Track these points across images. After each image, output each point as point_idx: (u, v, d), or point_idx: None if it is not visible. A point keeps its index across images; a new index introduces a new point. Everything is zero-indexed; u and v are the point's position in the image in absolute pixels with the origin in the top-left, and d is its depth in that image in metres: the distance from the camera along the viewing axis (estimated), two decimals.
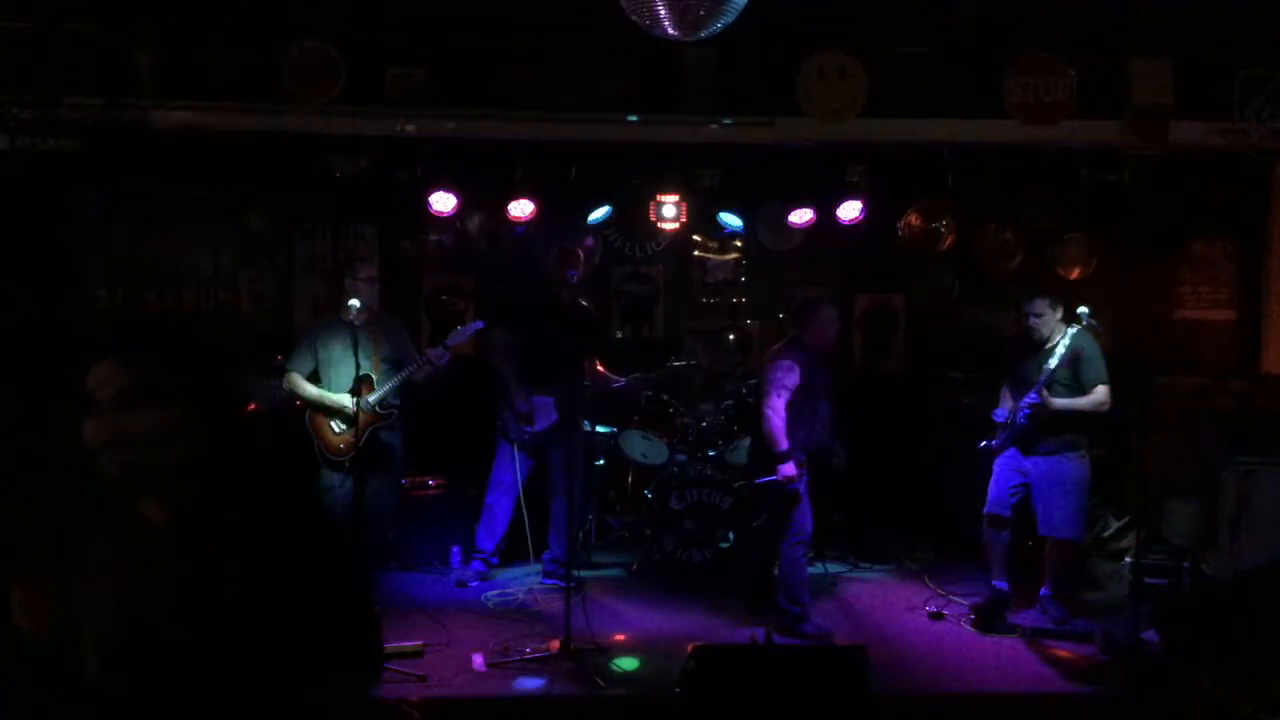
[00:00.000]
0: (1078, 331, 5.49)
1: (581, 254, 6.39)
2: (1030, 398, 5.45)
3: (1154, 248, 7.73)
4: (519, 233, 7.27)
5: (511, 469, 6.23)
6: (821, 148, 6.49)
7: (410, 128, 6.12)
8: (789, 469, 5.38)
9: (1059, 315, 5.55)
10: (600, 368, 6.59)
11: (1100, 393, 5.47)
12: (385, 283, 6.31)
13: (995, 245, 7.71)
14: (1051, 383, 5.45)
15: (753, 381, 7.10)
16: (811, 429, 5.56)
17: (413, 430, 5.95)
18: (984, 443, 5.77)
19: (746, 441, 6.72)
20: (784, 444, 5.39)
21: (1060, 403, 5.45)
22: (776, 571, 5.69)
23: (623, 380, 6.64)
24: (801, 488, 5.50)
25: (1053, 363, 5.45)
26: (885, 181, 6.91)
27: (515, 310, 6.25)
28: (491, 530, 6.32)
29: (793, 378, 5.45)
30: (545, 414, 6.19)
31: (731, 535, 6.36)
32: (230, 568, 1.75)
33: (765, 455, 5.51)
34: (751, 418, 5.84)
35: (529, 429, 6.17)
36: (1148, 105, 6.08)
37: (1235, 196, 7.35)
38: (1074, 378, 5.49)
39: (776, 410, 5.42)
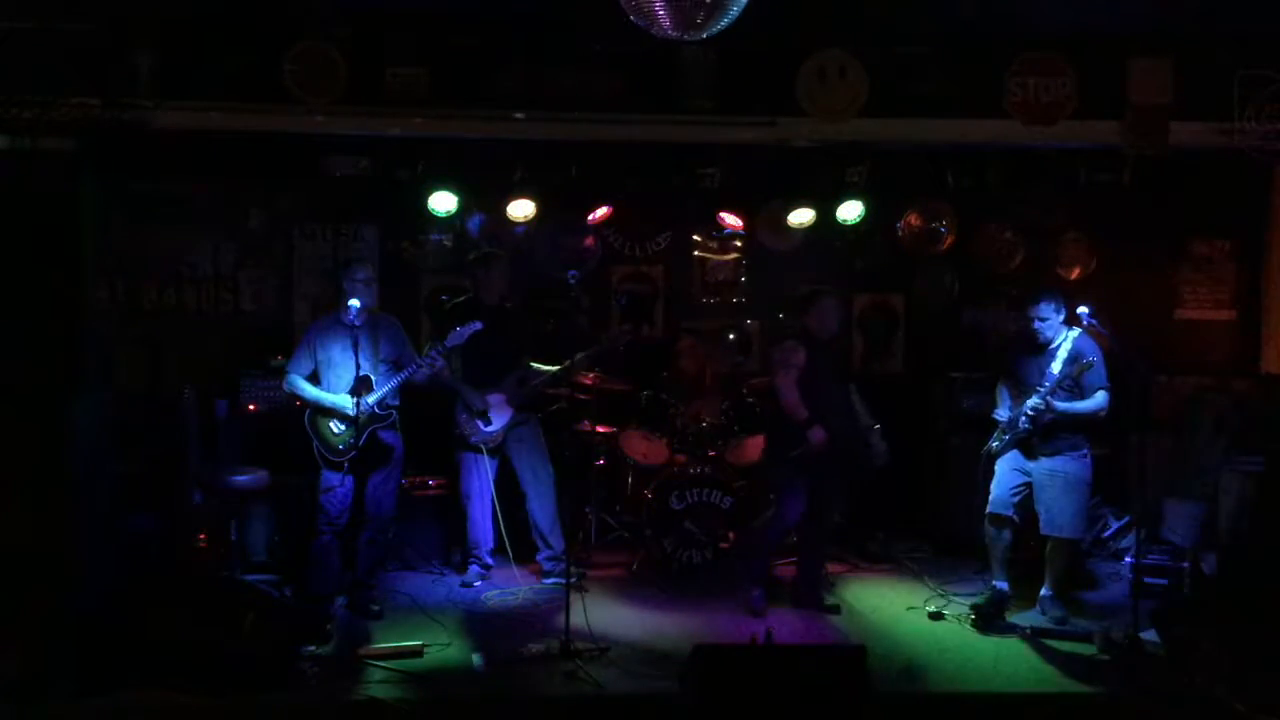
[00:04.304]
0: (1080, 334, 5.50)
1: (502, 259, 6.42)
2: (1033, 402, 5.45)
3: (1154, 248, 7.73)
4: (519, 233, 7.27)
5: (476, 476, 6.28)
6: (821, 148, 6.49)
7: (410, 128, 6.11)
8: (818, 434, 5.62)
9: (1062, 318, 5.55)
10: (537, 365, 6.47)
11: (1100, 398, 5.47)
12: (385, 283, 6.31)
13: (995, 245, 7.71)
14: (1053, 393, 5.44)
15: (754, 381, 7.14)
16: (820, 415, 5.66)
17: (412, 430, 5.95)
18: (986, 446, 5.77)
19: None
20: (804, 412, 5.65)
21: (1062, 406, 5.44)
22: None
23: (563, 365, 6.44)
24: (797, 478, 5.67)
25: (1057, 367, 5.44)
26: (885, 181, 6.90)
27: (449, 319, 6.12)
28: (477, 537, 6.36)
29: (798, 356, 5.72)
30: (499, 411, 6.23)
31: (731, 535, 6.37)
32: None
33: (781, 438, 5.80)
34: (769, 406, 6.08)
35: (486, 428, 6.20)
36: (1148, 105, 6.07)
37: (1235, 196, 7.35)
38: (1074, 384, 5.48)
39: (788, 386, 5.69)
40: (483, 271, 6.38)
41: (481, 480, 6.28)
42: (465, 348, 6.02)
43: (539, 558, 6.39)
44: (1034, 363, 5.58)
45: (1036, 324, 5.55)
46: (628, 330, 7.07)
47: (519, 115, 6.07)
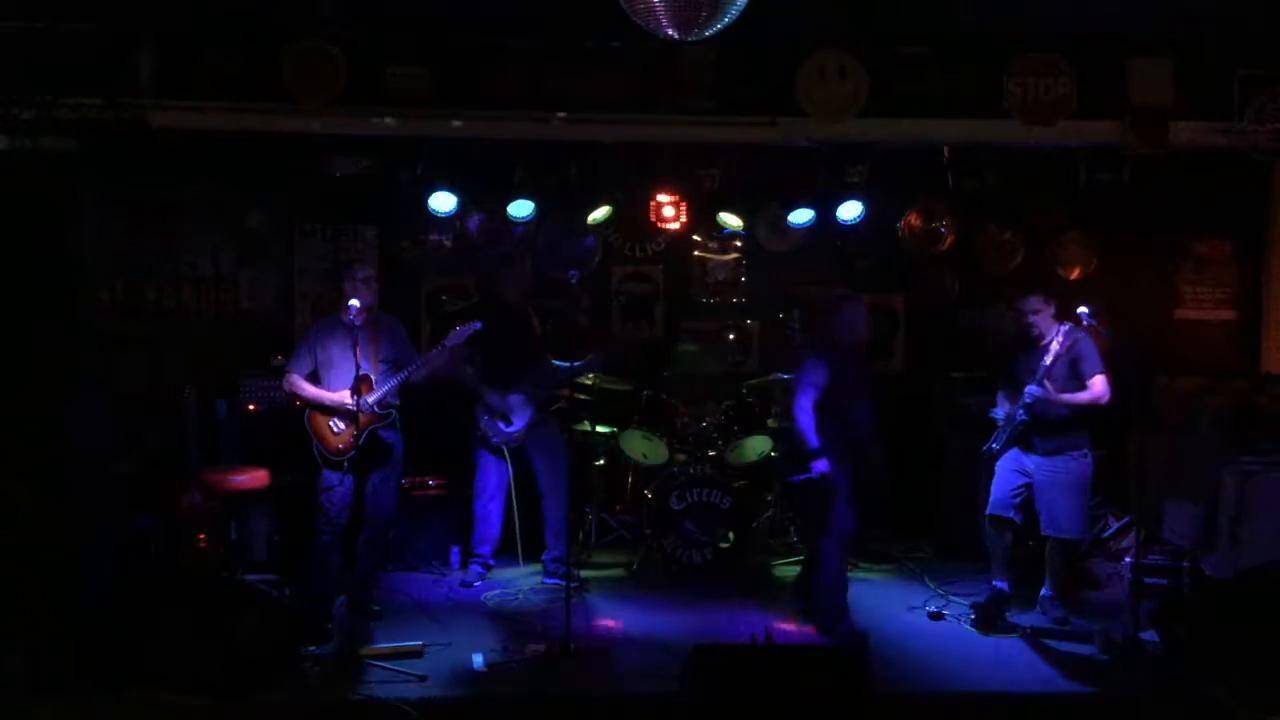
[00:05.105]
0: (1071, 327, 5.51)
1: (523, 258, 6.46)
2: (1030, 391, 5.45)
3: (1154, 248, 7.72)
4: (519, 233, 7.27)
5: (494, 475, 6.30)
6: (821, 148, 6.49)
7: (410, 128, 6.11)
8: (822, 465, 5.39)
9: (1054, 312, 5.56)
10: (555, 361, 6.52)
11: (1098, 383, 5.47)
12: (385, 283, 6.31)
13: (995, 245, 7.71)
14: (1049, 377, 5.45)
15: (753, 381, 7.14)
16: (847, 426, 5.51)
17: (412, 430, 5.95)
18: (987, 446, 5.76)
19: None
20: (814, 442, 5.40)
21: (1063, 396, 5.44)
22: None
23: (579, 362, 6.43)
24: (843, 484, 5.48)
25: (1048, 359, 5.45)
26: (885, 181, 6.90)
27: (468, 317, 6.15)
28: (485, 536, 6.37)
29: (819, 375, 5.47)
30: (520, 411, 6.23)
31: (731, 535, 6.36)
32: None
33: (799, 453, 5.51)
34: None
35: (507, 428, 6.20)
36: (1148, 105, 6.08)
37: (1235, 196, 7.34)
38: (1071, 373, 5.49)
39: (804, 409, 5.44)
40: (504, 269, 6.41)
41: (498, 480, 6.28)
42: (485, 348, 6.03)
43: (545, 557, 6.39)
44: (1029, 359, 5.58)
45: (1031, 318, 5.56)
46: (649, 337, 7.04)
47: (519, 115, 6.07)
